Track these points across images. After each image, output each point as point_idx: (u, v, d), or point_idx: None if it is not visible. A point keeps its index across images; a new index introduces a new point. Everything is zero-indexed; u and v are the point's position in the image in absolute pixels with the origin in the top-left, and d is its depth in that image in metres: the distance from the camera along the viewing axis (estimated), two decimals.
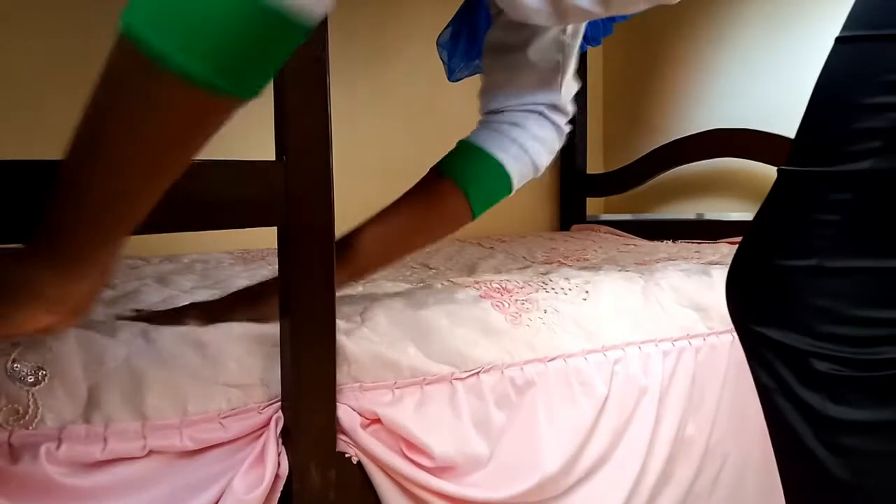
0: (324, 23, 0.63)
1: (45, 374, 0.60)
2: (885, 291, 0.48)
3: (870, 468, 0.49)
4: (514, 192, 0.89)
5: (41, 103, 1.51)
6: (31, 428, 0.59)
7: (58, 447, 0.59)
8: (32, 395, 0.59)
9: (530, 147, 0.88)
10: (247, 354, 0.69)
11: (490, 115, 0.89)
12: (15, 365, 0.60)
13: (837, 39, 0.51)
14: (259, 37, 0.40)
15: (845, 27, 0.51)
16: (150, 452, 0.63)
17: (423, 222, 0.85)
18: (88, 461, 0.60)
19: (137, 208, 0.46)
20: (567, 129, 0.91)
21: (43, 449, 0.58)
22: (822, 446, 0.50)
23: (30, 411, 0.59)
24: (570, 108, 0.92)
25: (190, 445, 0.64)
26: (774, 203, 0.53)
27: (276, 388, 0.70)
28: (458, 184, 0.84)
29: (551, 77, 0.88)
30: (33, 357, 0.61)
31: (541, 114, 0.89)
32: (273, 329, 0.71)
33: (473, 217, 0.87)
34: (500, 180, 0.87)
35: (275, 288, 0.76)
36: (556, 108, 0.90)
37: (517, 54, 0.86)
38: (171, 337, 0.68)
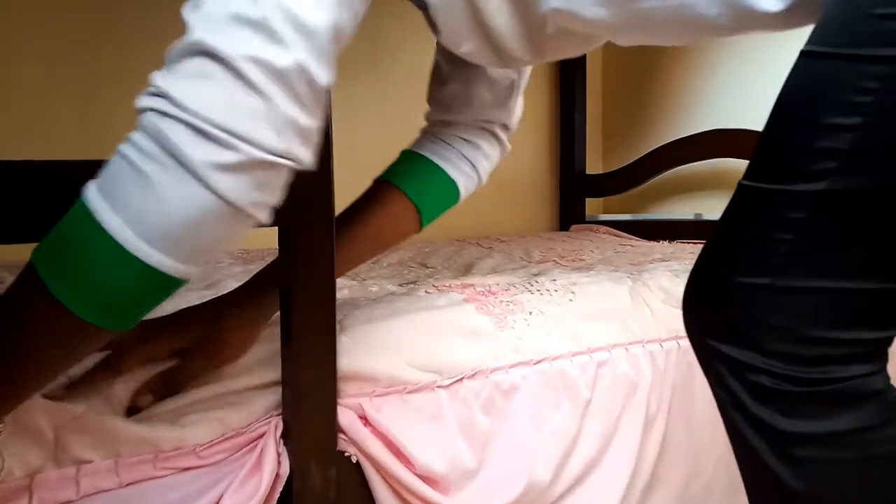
0: None
1: (2, 424, 0.57)
2: (835, 312, 0.49)
3: (822, 477, 0.50)
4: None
5: (42, 104, 1.51)
6: None
7: (30, 500, 0.57)
8: None
9: (480, 165, 0.90)
10: (221, 379, 0.69)
11: (440, 126, 0.90)
12: None
13: (802, 53, 0.50)
14: (144, 294, 0.48)
15: (811, 41, 0.50)
16: (129, 484, 0.61)
17: (375, 236, 0.85)
18: (64, 502, 0.59)
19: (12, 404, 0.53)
20: (509, 147, 0.93)
21: None
22: (776, 458, 0.51)
23: None
24: (516, 127, 0.93)
25: (167, 474, 0.63)
26: (732, 217, 0.53)
27: (258, 412, 0.69)
28: (410, 197, 0.85)
29: (506, 96, 0.89)
30: None
31: (492, 133, 0.90)
32: (248, 356, 0.70)
33: (420, 229, 0.88)
34: (449, 195, 0.88)
35: (218, 316, 0.71)
36: (506, 127, 0.91)
37: (476, 69, 0.86)
38: (143, 374, 0.66)
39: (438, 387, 0.78)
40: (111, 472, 0.61)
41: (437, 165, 0.87)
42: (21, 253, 0.51)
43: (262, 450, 0.67)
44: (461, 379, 0.80)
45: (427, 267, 1.41)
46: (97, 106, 1.55)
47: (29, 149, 1.45)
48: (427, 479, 0.74)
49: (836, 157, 0.46)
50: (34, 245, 0.50)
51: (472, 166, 0.89)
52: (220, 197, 0.46)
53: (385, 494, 0.73)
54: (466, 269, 1.38)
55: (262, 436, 0.68)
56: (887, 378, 0.51)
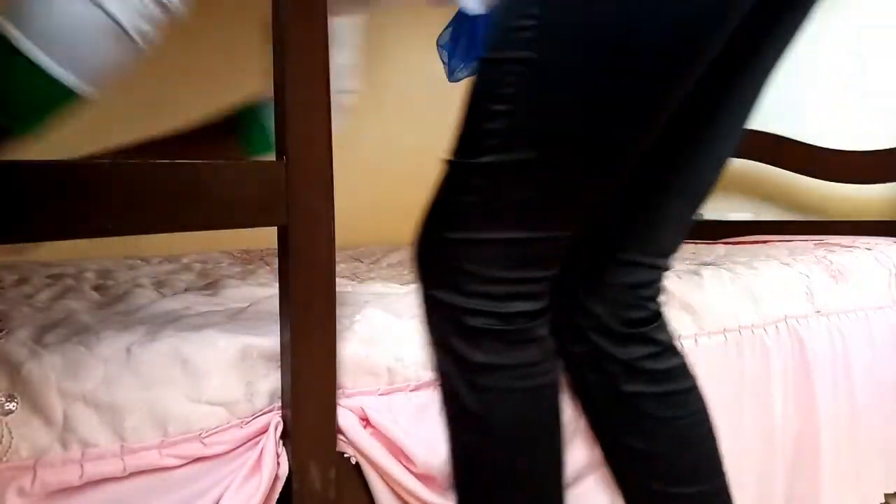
0: (324, 23, 0.63)
1: (17, 403, 0.58)
2: (513, 256, 0.62)
3: (496, 402, 0.64)
4: None
5: None
6: (3, 460, 0.57)
7: (32, 481, 0.57)
8: (6, 424, 0.57)
9: None
10: (230, 369, 0.68)
11: None
12: None
13: (479, 61, 0.63)
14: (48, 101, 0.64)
15: (484, 51, 0.63)
16: (132, 474, 0.61)
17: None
18: (66, 487, 0.59)
19: None
20: None
21: (13, 488, 0.56)
22: (465, 385, 0.64)
23: (2, 442, 0.57)
24: None
25: (172, 463, 0.63)
26: (440, 187, 0.65)
27: (261, 401, 0.69)
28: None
29: None
30: (5, 384, 0.59)
31: None
32: (259, 340, 0.70)
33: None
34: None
35: None
36: None
37: None
38: (153, 354, 0.66)
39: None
40: (116, 458, 0.61)
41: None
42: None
43: (261, 450, 0.67)
44: None
45: None
46: (97, 107, 1.54)
47: (29, 149, 1.45)
48: (427, 477, 0.74)
49: (497, 135, 0.59)
50: (33, 244, 0.50)
51: None
52: (108, 16, 0.60)
53: (385, 495, 0.73)
54: None
55: (263, 433, 0.68)
56: (549, 328, 0.66)
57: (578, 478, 0.85)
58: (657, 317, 0.74)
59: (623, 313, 0.71)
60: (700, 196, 0.73)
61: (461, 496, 0.68)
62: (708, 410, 0.74)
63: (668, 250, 0.74)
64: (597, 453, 0.85)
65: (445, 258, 0.63)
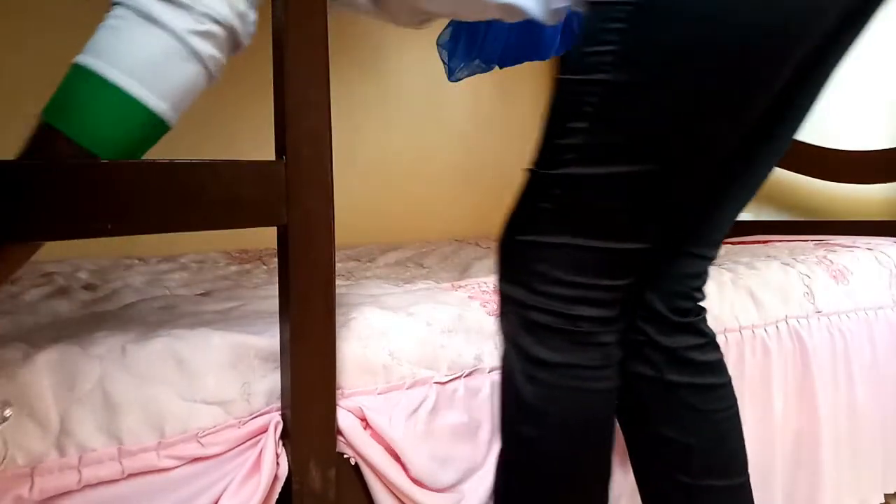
0: (324, 23, 0.63)
1: (10, 412, 0.57)
2: (581, 262, 0.65)
3: (550, 397, 0.66)
4: None
5: (42, 105, 1.51)
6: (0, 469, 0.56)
7: (30, 489, 0.57)
8: (0, 433, 0.57)
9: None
10: (226, 368, 0.68)
11: None
12: None
13: (556, 80, 0.67)
14: (128, 123, 0.59)
15: (561, 72, 0.67)
16: (130, 475, 0.61)
17: None
18: (64, 492, 0.58)
19: None
20: None
21: (11, 497, 0.56)
22: (522, 376, 0.67)
23: None
24: None
25: (170, 464, 0.63)
26: (521, 193, 0.69)
27: (258, 402, 0.69)
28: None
29: None
30: None
31: None
32: (255, 340, 0.70)
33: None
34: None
35: None
36: None
37: None
38: (148, 353, 0.66)
39: (436, 383, 0.78)
40: (114, 461, 0.60)
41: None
42: None
43: (261, 450, 0.66)
44: (459, 377, 0.80)
45: (423, 267, 1.41)
46: None
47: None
48: (423, 482, 0.74)
49: (574, 150, 0.63)
50: (34, 244, 0.49)
51: None
52: (173, 34, 0.58)
53: (384, 497, 0.73)
54: (464, 270, 1.37)
55: (262, 433, 0.68)
56: (617, 337, 0.69)
57: None
58: (701, 309, 0.76)
59: (675, 303, 0.74)
60: (756, 188, 0.75)
61: (506, 484, 0.71)
62: (738, 407, 0.76)
63: (719, 240, 0.77)
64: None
65: (517, 257, 0.67)
